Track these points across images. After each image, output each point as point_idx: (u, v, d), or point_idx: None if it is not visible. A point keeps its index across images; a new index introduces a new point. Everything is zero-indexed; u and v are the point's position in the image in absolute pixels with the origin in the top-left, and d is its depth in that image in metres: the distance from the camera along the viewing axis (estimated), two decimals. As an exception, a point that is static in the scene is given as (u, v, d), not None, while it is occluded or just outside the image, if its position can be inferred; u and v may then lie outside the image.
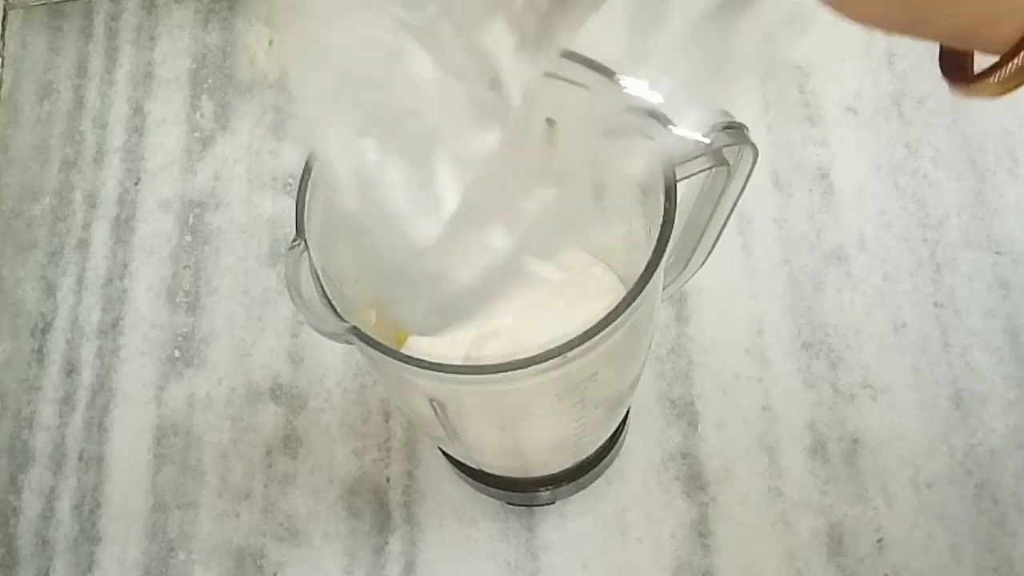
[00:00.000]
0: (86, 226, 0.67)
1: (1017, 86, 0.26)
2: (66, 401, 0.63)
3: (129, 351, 0.64)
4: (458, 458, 0.52)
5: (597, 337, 0.34)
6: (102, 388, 0.63)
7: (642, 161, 0.27)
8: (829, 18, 0.67)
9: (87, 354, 0.64)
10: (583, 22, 0.27)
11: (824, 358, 0.59)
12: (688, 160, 0.39)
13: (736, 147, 0.40)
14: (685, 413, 0.58)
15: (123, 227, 0.67)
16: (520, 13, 0.28)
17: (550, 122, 0.33)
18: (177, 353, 0.63)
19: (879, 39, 0.66)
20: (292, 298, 0.34)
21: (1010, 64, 0.25)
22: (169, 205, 0.67)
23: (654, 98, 0.28)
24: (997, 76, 0.26)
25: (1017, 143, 0.63)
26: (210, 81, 0.70)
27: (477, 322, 0.33)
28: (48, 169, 0.70)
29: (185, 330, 0.64)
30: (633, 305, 0.35)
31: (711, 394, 0.59)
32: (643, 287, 0.35)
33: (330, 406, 0.61)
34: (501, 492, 0.54)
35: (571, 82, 0.34)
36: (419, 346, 0.46)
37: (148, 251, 0.66)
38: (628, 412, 0.54)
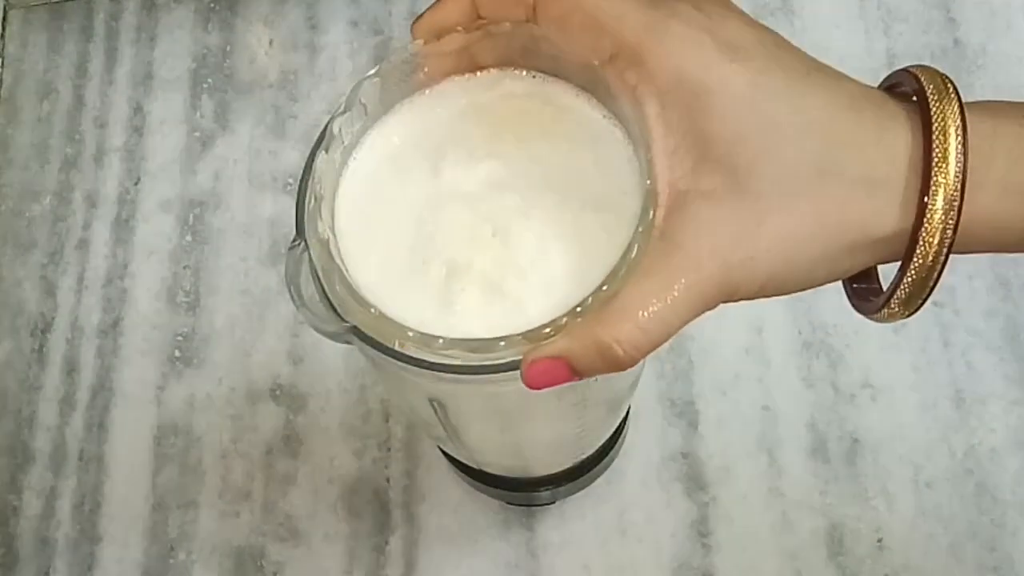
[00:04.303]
0: (86, 226, 0.67)
1: (920, 303, 0.29)
2: (66, 401, 0.63)
3: (129, 351, 0.64)
4: (458, 458, 0.51)
5: (597, 337, 0.34)
6: (102, 388, 0.63)
7: None
8: (829, 20, 0.67)
9: (87, 354, 0.64)
10: None
11: (824, 358, 0.59)
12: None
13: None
14: (685, 413, 0.58)
15: (123, 227, 0.67)
16: None
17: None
18: (177, 353, 0.63)
19: (879, 41, 0.66)
20: (292, 298, 0.34)
21: (895, 296, 0.29)
22: (169, 205, 0.67)
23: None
24: (896, 303, 0.29)
25: (1017, 143, 0.63)
26: (210, 81, 0.70)
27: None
28: (48, 169, 0.70)
29: (185, 330, 0.64)
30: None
31: (711, 394, 0.58)
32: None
33: (330, 406, 0.61)
34: (501, 492, 0.54)
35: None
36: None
37: (148, 251, 0.66)
38: (628, 412, 0.54)
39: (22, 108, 0.72)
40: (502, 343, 0.29)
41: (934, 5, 0.66)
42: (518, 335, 0.29)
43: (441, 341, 0.29)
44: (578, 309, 0.28)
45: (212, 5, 0.73)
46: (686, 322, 0.28)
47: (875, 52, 0.65)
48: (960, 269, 0.60)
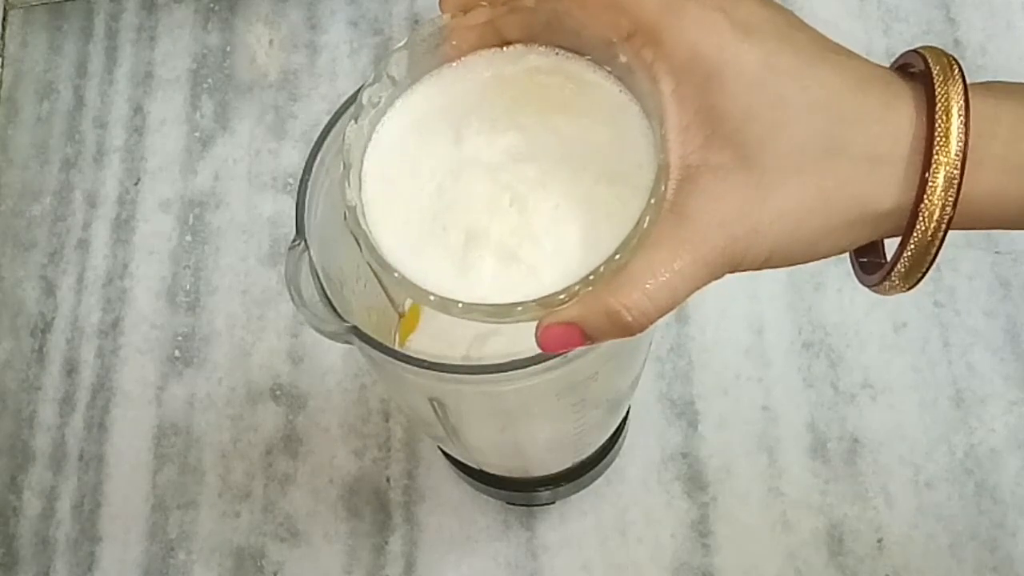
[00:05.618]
0: (86, 226, 0.67)
1: (920, 277, 0.30)
2: (66, 401, 0.63)
3: (129, 351, 0.64)
4: (458, 458, 0.51)
5: (597, 336, 0.34)
6: (102, 388, 0.63)
7: None
8: (828, 20, 0.67)
9: (87, 354, 0.64)
10: None
11: (824, 358, 0.59)
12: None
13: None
14: (685, 413, 0.58)
15: (123, 227, 0.67)
16: None
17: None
18: (177, 353, 0.63)
19: (879, 41, 0.66)
20: (292, 298, 0.34)
21: (897, 266, 0.29)
22: (169, 205, 0.67)
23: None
24: (896, 276, 0.30)
25: (1017, 143, 0.63)
26: (210, 81, 0.70)
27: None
28: (48, 169, 0.70)
29: (185, 330, 0.64)
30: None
31: (711, 394, 0.58)
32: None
33: (330, 406, 0.61)
34: (501, 492, 0.54)
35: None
36: (419, 346, 0.46)
37: (148, 251, 0.66)
38: (628, 412, 0.54)
39: (22, 108, 0.72)
40: (519, 308, 0.30)
41: (934, 5, 0.66)
42: (533, 301, 0.29)
43: (460, 305, 0.30)
44: (591, 277, 0.29)
45: (212, 5, 0.73)
46: (693, 291, 0.29)
47: (875, 52, 0.65)
48: (960, 269, 0.60)
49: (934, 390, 0.57)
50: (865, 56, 0.29)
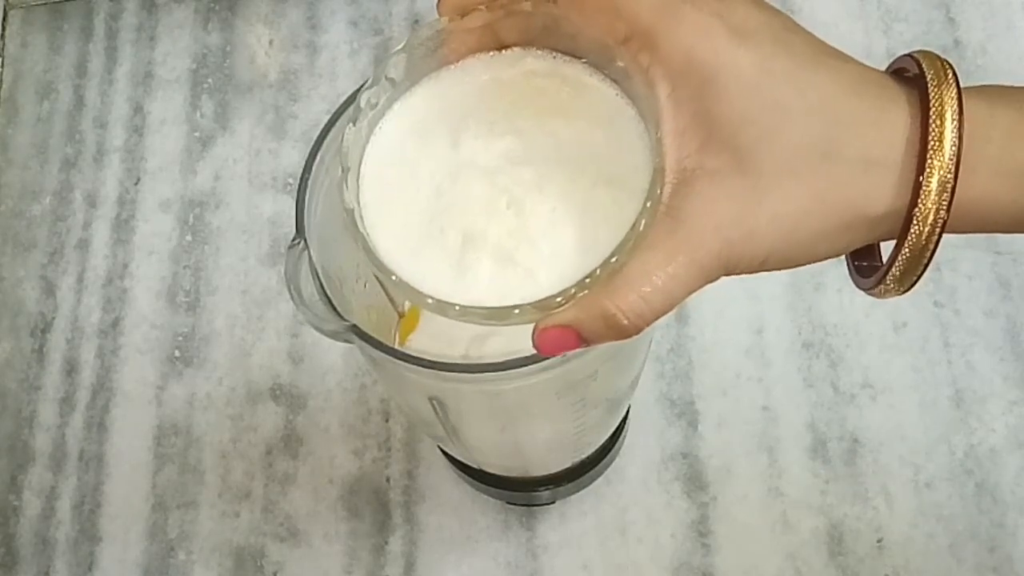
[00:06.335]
0: (86, 226, 0.67)
1: (914, 280, 0.30)
2: (66, 401, 0.63)
3: (129, 351, 0.64)
4: (458, 458, 0.51)
5: (597, 336, 0.34)
6: (102, 388, 0.63)
7: None
8: (828, 20, 0.67)
9: (87, 354, 0.64)
10: None
11: (824, 358, 0.59)
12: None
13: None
14: (685, 413, 0.58)
15: (123, 227, 0.67)
16: None
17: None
18: (177, 353, 0.63)
19: (879, 41, 0.66)
20: (292, 297, 0.34)
21: (892, 270, 0.30)
22: (169, 205, 0.67)
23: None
24: (891, 279, 0.30)
25: (1017, 143, 0.62)
26: (210, 81, 0.70)
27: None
28: (48, 169, 0.70)
29: (185, 330, 0.64)
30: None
31: (711, 394, 0.58)
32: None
33: (330, 406, 0.61)
34: (501, 492, 0.54)
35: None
36: (419, 345, 0.46)
37: (148, 251, 0.66)
38: (628, 412, 0.54)
39: (22, 108, 0.72)
40: (516, 311, 0.30)
41: (934, 5, 0.66)
42: (530, 304, 0.30)
43: (457, 308, 0.30)
44: (587, 280, 0.29)
45: (212, 5, 0.73)
46: (688, 294, 0.29)
47: (875, 52, 0.65)
48: (960, 269, 0.60)
49: (934, 390, 0.57)
50: (865, 57, 0.29)
